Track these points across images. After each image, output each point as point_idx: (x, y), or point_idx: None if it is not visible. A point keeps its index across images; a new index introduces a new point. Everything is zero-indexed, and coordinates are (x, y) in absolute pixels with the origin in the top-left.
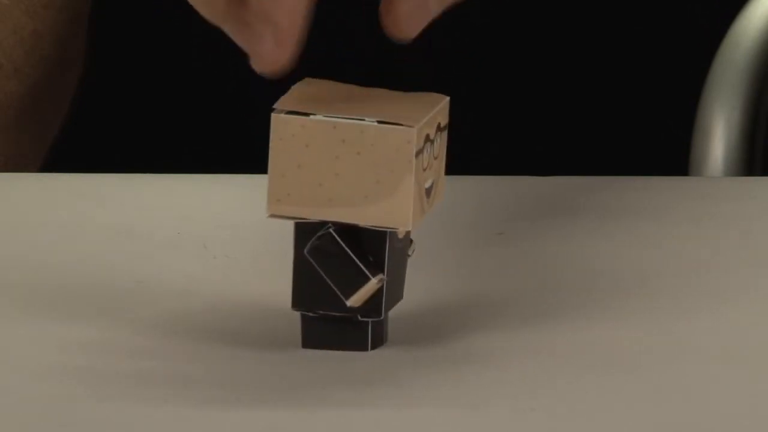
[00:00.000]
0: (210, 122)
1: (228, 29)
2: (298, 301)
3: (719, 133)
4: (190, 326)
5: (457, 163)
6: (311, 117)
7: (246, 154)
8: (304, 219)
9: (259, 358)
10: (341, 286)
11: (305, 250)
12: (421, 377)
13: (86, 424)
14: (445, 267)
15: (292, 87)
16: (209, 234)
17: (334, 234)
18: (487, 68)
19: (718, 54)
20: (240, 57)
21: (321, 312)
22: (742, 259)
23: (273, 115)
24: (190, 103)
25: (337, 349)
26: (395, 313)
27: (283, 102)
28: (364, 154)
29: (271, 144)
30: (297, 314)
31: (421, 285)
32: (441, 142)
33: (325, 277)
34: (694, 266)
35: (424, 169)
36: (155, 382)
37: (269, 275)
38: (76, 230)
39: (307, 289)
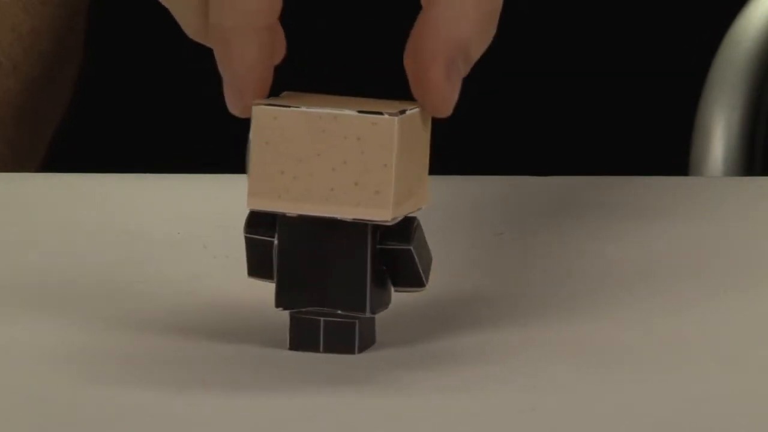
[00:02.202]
0: (210, 121)
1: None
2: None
3: (719, 133)
4: (189, 326)
5: (457, 163)
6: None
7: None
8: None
9: (259, 357)
10: (426, 270)
11: (412, 246)
12: (421, 376)
13: (86, 422)
14: (443, 267)
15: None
16: (209, 234)
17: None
18: (486, 68)
19: (718, 54)
20: None
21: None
22: (741, 258)
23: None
24: (189, 101)
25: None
26: (394, 314)
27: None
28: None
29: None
30: None
31: None
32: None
33: (418, 265)
34: (694, 266)
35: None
36: (154, 381)
37: None
38: (77, 230)
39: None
